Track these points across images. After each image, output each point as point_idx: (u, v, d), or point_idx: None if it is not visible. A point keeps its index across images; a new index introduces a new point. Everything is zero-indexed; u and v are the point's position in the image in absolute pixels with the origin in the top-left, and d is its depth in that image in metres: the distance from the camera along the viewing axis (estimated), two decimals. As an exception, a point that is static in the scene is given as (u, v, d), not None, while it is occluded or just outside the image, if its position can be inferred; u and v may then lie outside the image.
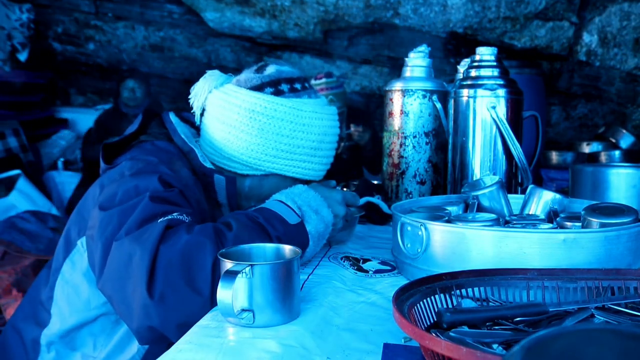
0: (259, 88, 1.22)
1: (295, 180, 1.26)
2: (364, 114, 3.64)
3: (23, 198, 3.61)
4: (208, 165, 1.20)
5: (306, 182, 1.27)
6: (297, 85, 1.25)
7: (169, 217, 0.97)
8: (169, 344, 0.93)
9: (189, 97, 1.28)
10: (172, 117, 1.28)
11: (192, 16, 4.08)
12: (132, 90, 4.14)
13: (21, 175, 3.77)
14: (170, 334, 0.92)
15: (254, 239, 0.97)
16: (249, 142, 1.20)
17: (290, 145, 1.21)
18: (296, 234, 1.03)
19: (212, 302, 0.90)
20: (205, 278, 0.90)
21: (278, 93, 1.22)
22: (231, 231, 0.97)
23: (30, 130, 4.27)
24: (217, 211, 1.25)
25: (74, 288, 1.14)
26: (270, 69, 1.26)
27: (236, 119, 1.20)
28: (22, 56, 4.27)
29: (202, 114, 1.28)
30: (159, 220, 0.95)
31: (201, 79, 1.27)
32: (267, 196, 1.17)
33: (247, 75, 1.26)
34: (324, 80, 3.37)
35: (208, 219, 1.17)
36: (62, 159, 4.46)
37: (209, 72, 1.28)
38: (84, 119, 4.63)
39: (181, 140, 1.22)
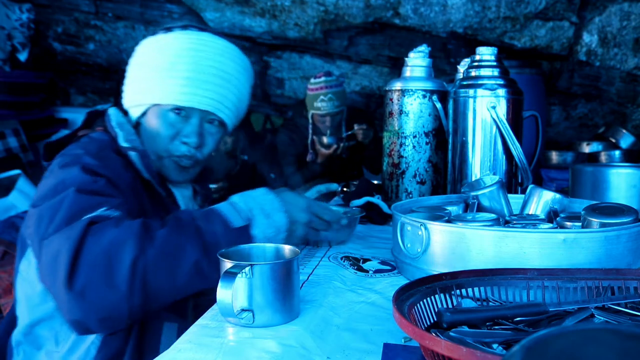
0: (142, 41, 1.34)
1: (168, 109, 1.26)
2: (367, 113, 3.65)
3: (23, 198, 3.61)
4: (127, 144, 1.22)
5: (180, 114, 1.27)
6: (175, 29, 1.31)
7: (96, 213, 0.98)
8: (122, 331, 1.00)
9: None
10: (112, 110, 1.32)
11: (192, 16, 4.07)
12: None
13: (21, 175, 3.77)
14: (92, 326, 0.95)
15: (184, 241, 0.97)
16: (128, 84, 1.31)
17: (147, 72, 1.27)
18: (237, 237, 1.01)
19: (131, 298, 0.92)
20: (123, 274, 0.92)
21: (153, 36, 1.31)
22: (162, 229, 0.98)
23: (30, 130, 4.27)
24: (152, 190, 1.26)
25: (30, 285, 1.16)
26: (163, 26, 1.35)
27: (128, 68, 1.32)
28: (22, 56, 4.27)
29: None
30: (84, 217, 0.97)
31: None
32: (152, 136, 1.26)
33: None
34: (323, 79, 3.38)
35: (144, 201, 1.20)
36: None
37: None
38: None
39: (111, 127, 1.26)
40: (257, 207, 1.07)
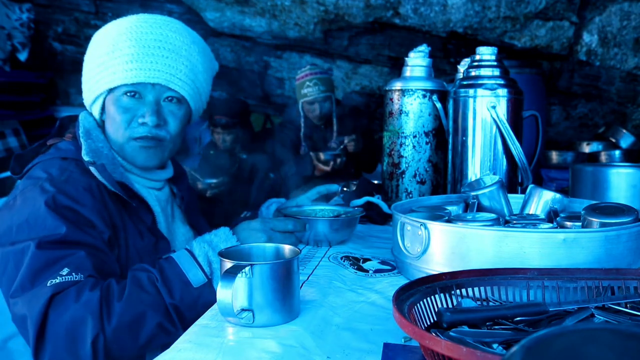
0: None
1: (120, 93, 1.25)
2: (353, 119, 3.65)
3: (23, 198, 3.61)
4: (87, 157, 1.17)
5: (134, 95, 1.25)
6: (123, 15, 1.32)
7: (58, 279, 0.98)
8: None
9: None
10: (82, 114, 1.30)
11: (192, 16, 4.07)
12: None
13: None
14: None
15: (144, 308, 0.98)
16: (82, 85, 1.32)
17: (91, 63, 1.28)
18: (199, 296, 1.01)
19: None
20: (86, 351, 0.94)
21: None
22: (120, 301, 0.98)
23: (30, 130, 4.27)
24: (123, 200, 1.21)
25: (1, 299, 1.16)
26: None
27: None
28: (22, 56, 4.27)
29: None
30: (48, 284, 0.97)
31: None
32: (112, 124, 1.25)
33: None
34: (308, 67, 3.50)
35: (114, 212, 1.17)
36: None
37: None
38: (84, 118, 4.62)
39: (78, 135, 1.23)
40: (215, 254, 1.05)
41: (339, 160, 3.36)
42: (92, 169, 1.16)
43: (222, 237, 1.10)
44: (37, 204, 1.06)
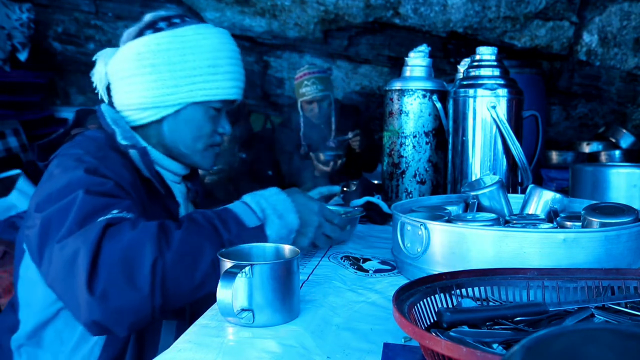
0: (139, 34, 1.26)
1: (209, 108, 1.27)
2: (354, 115, 3.66)
3: (23, 198, 3.61)
4: (125, 142, 1.19)
5: (219, 107, 1.28)
6: (176, 20, 1.28)
7: (109, 215, 0.97)
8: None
9: (92, 80, 1.32)
10: (104, 107, 1.29)
11: (192, 16, 4.07)
12: None
13: (21, 175, 3.77)
14: (114, 328, 0.94)
15: (202, 240, 0.97)
16: (146, 83, 1.23)
17: (185, 70, 1.23)
18: (252, 237, 1.01)
19: (153, 299, 0.92)
20: (144, 276, 0.91)
21: (157, 30, 1.25)
22: (179, 229, 0.97)
23: (30, 130, 4.27)
24: (151, 187, 1.24)
25: (31, 289, 1.15)
26: (147, 17, 1.30)
27: (128, 69, 1.24)
28: (22, 56, 4.27)
29: (109, 93, 1.31)
30: (100, 219, 0.96)
31: (97, 61, 1.32)
32: (192, 132, 1.25)
33: (127, 31, 1.30)
34: (306, 66, 3.49)
35: (144, 198, 1.18)
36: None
37: (101, 51, 1.33)
38: (84, 118, 4.62)
39: (106, 123, 1.23)
40: (270, 207, 1.08)
41: (339, 161, 3.36)
42: (132, 152, 1.18)
43: (271, 191, 1.12)
44: (77, 172, 1.06)
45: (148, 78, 1.23)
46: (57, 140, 1.28)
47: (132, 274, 0.91)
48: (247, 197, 1.11)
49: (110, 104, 1.33)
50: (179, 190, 1.37)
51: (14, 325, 1.18)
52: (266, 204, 1.08)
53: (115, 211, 0.99)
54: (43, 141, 1.27)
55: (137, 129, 1.29)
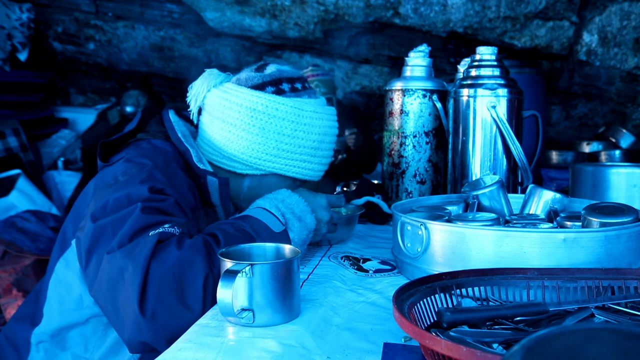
0: (260, 87, 1.22)
1: (295, 181, 1.26)
2: (354, 115, 3.66)
3: (23, 198, 3.61)
4: (202, 166, 1.18)
5: (303, 182, 1.28)
6: (298, 85, 1.25)
7: (160, 229, 0.96)
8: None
9: (187, 95, 1.28)
10: (172, 115, 1.26)
11: (192, 16, 4.07)
12: (136, 101, 4.08)
13: (21, 175, 3.77)
14: (161, 347, 0.92)
15: None
16: (250, 141, 1.20)
17: (291, 145, 1.21)
18: (279, 242, 1.01)
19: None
20: (196, 294, 0.91)
21: (279, 92, 1.22)
22: (219, 245, 0.97)
23: (30, 130, 4.27)
24: (211, 211, 1.24)
25: (66, 287, 1.14)
26: (271, 68, 1.26)
27: (237, 118, 1.20)
28: (22, 56, 4.27)
29: (199, 113, 1.28)
30: (150, 234, 0.94)
31: (200, 78, 1.27)
32: (274, 188, 1.20)
33: (248, 74, 1.25)
34: (310, 68, 3.46)
35: (202, 221, 1.16)
36: (62, 159, 4.45)
37: (208, 71, 1.27)
38: (84, 118, 4.63)
39: (178, 139, 1.21)
40: (288, 211, 1.09)
41: (339, 157, 3.37)
42: (212, 179, 1.16)
43: (283, 194, 1.14)
44: (142, 187, 1.04)
45: (253, 137, 1.20)
46: (121, 140, 1.24)
47: (184, 293, 0.91)
48: (263, 203, 1.10)
49: (191, 123, 1.31)
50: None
51: (35, 317, 1.17)
52: (285, 208, 1.09)
53: (167, 225, 0.98)
54: (107, 140, 1.22)
55: (215, 167, 1.26)
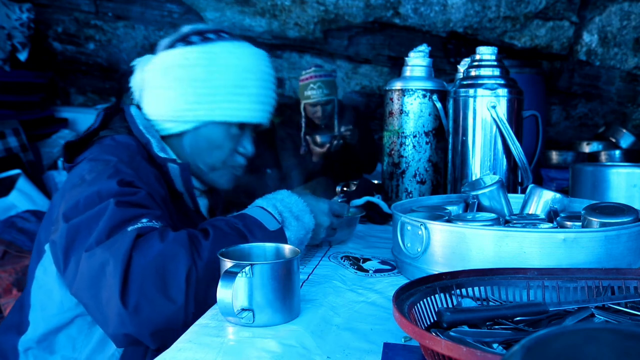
0: (171, 46, 1.26)
1: (231, 126, 1.25)
2: (352, 112, 3.67)
3: (23, 198, 3.61)
4: (163, 154, 1.19)
5: (242, 127, 1.27)
6: (211, 35, 1.27)
7: (139, 225, 0.96)
8: (146, 346, 0.95)
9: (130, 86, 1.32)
10: (133, 109, 1.28)
11: (192, 16, 4.07)
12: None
13: (21, 175, 3.77)
14: (145, 340, 0.93)
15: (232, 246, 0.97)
16: (169, 97, 1.23)
17: (208, 89, 1.22)
18: (275, 241, 1.02)
19: (187, 310, 0.91)
20: (179, 287, 0.91)
21: (188, 44, 1.24)
22: (207, 239, 0.97)
23: (30, 130, 4.27)
24: (179, 201, 1.24)
25: (47, 293, 1.13)
26: (184, 29, 1.29)
27: (156, 81, 1.24)
28: (22, 56, 4.27)
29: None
30: (129, 229, 0.94)
31: (135, 67, 1.31)
32: (211, 150, 1.23)
33: (163, 40, 1.29)
34: (312, 69, 3.46)
35: (172, 211, 1.16)
36: (62, 159, 4.45)
37: (140, 58, 1.32)
38: (84, 118, 4.63)
39: (139, 131, 1.22)
40: (286, 209, 1.09)
41: (335, 142, 3.38)
42: (172, 166, 1.17)
43: (283, 194, 1.14)
44: (110, 182, 1.04)
45: (172, 92, 1.23)
46: (85, 140, 1.25)
47: (166, 286, 0.90)
48: (262, 202, 1.11)
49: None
50: (203, 205, 1.37)
51: (21, 326, 1.16)
52: (282, 207, 1.09)
53: (145, 220, 0.97)
54: (71, 140, 1.24)
55: (164, 140, 1.28)
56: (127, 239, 0.92)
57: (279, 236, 1.05)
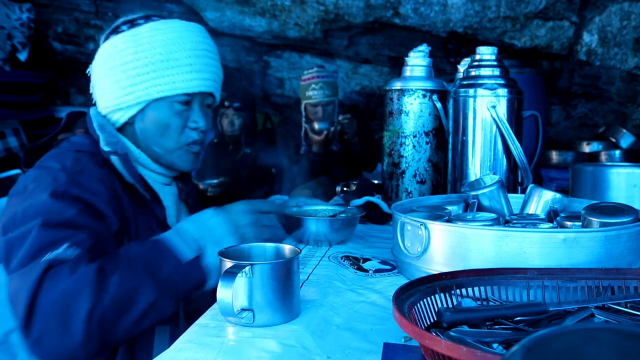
0: (105, 38, 1.28)
1: (174, 102, 1.24)
2: (357, 107, 3.68)
3: (23, 198, 3.60)
4: (107, 148, 1.18)
5: (187, 103, 1.26)
6: (139, 21, 1.27)
7: (54, 254, 0.97)
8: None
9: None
10: (93, 110, 1.29)
11: (192, 16, 4.07)
12: None
13: (21, 175, 3.76)
14: None
15: (137, 284, 0.96)
16: (107, 87, 1.25)
17: (138, 69, 1.23)
18: (190, 271, 1.01)
19: (86, 346, 0.93)
20: (80, 323, 0.92)
21: (118, 33, 1.26)
22: (115, 273, 0.97)
23: (30, 130, 4.27)
24: (136, 193, 1.22)
25: (2, 292, 1.14)
26: (117, 20, 1.30)
27: (95, 75, 1.28)
28: (22, 56, 4.27)
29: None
30: (43, 260, 0.96)
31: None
32: (160, 130, 1.24)
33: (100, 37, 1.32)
34: (315, 69, 3.46)
35: (128, 208, 1.17)
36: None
37: None
38: (84, 118, 4.63)
39: (93, 129, 1.23)
40: (208, 234, 1.05)
41: (332, 128, 3.39)
42: (113, 158, 1.17)
43: (207, 214, 1.10)
44: (46, 193, 1.06)
45: (108, 82, 1.25)
46: (46, 144, 1.27)
47: (67, 322, 0.93)
48: (185, 225, 1.08)
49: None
50: (169, 192, 1.35)
51: None
52: (205, 231, 1.06)
53: (65, 245, 0.98)
54: (31, 145, 1.26)
55: (121, 132, 1.29)
56: (38, 270, 0.94)
57: (194, 265, 1.01)
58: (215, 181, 3.31)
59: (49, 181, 1.09)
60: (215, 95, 1.33)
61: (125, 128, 1.29)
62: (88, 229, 1.05)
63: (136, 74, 1.23)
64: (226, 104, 3.65)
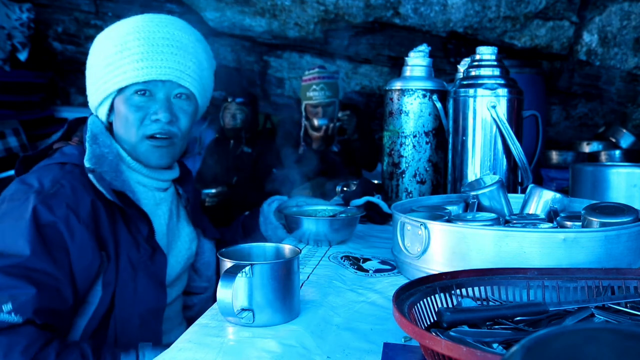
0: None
1: (135, 91, 1.24)
2: (356, 106, 3.67)
3: (23, 198, 3.60)
4: (87, 164, 1.16)
5: (145, 91, 1.24)
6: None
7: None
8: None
9: None
10: (93, 119, 1.29)
11: (192, 16, 4.07)
12: None
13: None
14: None
15: None
16: (88, 87, 1.31)
17: (97, 66, 1.26)
18: None
19: None
20: None
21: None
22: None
23: (30, 130, 4.27)
24: (119, 210, 1.20)
25: None
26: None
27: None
28: (22, 56, 4.27)
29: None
30: None
31: None
32: (122, 124, 1.25)
33: None
34: (316, 70, 3.46)
35: (102, 231, 1.15)
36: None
37: None
38: (84, 118, 4.63)
39: (85, 140, 1.22)
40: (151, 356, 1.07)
41: (331, 125, 3.39)
42: (90, 176, 1.15)
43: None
44: (15, 218, 1.06)
45: (87, 81, 1.31)
46: (41, 154, 1.26)
47: None
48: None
49: None
50: (164, 200, 1.33)
51: None
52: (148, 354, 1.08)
53: (7, 306, 0.98)
54: (27, 155, 1.25)
55: (115, 135, 1.29)
56: None
57: None
58: (213, 191, 3.32)
59: (21, 203, 1.08)
60: (188, 86, 1.27)
61: (113, 129, 1.30)
62: (44, 274, 1.03)
63: (100, 69, 1.25)
64: (229, 99, 3.66)
